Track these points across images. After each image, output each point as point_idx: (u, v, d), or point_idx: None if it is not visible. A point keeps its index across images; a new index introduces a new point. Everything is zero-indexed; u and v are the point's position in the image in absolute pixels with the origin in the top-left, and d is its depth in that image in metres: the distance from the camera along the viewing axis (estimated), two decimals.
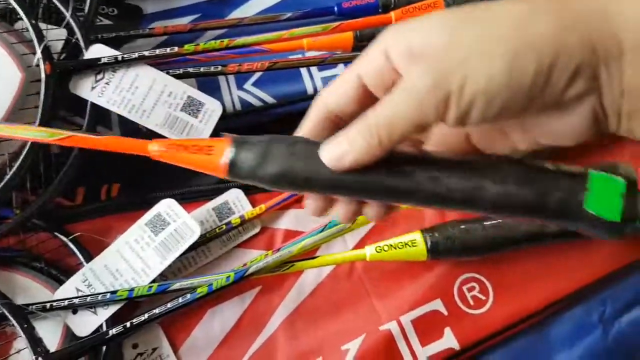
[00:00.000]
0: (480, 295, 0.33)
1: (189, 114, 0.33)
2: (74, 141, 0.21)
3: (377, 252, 0.32)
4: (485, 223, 0.32)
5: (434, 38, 0.18)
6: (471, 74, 0.17)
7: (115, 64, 0.33)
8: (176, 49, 0.34)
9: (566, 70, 0.16)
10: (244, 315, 0.34)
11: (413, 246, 0.32)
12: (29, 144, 0.31)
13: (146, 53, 0.33)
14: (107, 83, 0.33)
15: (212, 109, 0.34)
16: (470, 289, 0.33)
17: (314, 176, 0.19)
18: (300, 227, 0.36)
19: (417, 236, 0.32)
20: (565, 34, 0.16)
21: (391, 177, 0.19)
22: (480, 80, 0.17)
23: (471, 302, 0.33)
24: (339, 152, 0.19)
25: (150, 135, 0.34)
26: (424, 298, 0.33)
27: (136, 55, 0.33)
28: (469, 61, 0.17)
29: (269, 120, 0.39)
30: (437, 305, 0.33)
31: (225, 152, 0.19)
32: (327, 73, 0.39)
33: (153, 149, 0.20)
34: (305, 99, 0.38)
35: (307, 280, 0.35)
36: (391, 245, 0.32)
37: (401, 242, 0.32)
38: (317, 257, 0.33)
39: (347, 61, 0.37)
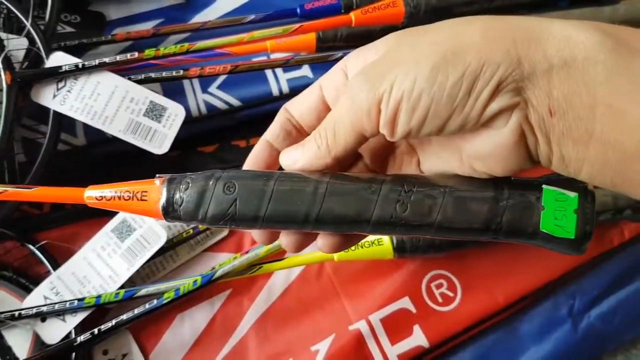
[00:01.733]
0: (448, 292, 0.33)
1: (152, 119, 0.33)
2: (7, 196, 0.21)
3: (345, 251, 0.32)
4: None
5: (380, 50, 0.19)
6: (399, 78, 0.17)
7: (76, 72, 0.33)
8: (137, 54, 0.34)
9: (489, 81, 0.16)
10: (214, 319, 0.34)
11: (379, 245, 0.32)
12: None
13: (107, 60, 0.33)
14: (68, 91, 0.33)
15: (175, 114, 0.34)
16: (439, 286, 0.33)
17: (258, 213, 0.18)
18: None
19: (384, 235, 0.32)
20: (492, 45, 0.16)
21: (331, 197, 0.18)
22: (405, 84, 0.17)
23: (439, 300, 0.33)
24: (294, 156, 0.20)
25: (114, 140, 0.34)
26: (393, 296, 0.33)
27: (97, 62, 0.33)
28: (399, 65, 0.17)
29: (235, 124, 0.39)
30: (406, 303, 0.33)
31: (159, 195, 0.19)
32: (293, 74, 0.39)
33: (90, 197, 0.20)
34: (270, 101, 0.38)
35: (276, 283, 0.35)
36: (358, 245, 0.32)
37: (368, 241, 0.32)
38: (285, 258, 0.33)
39: (310, 63, 0.37)
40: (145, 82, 0.34)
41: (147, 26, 0.40)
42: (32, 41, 0.34)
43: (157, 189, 0.19)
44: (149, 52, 0.33)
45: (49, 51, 0.34)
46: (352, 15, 0.34)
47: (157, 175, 0.20)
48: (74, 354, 0.31)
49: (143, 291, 0.32)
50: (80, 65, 0.33)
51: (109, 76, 0.33)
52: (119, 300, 0.32)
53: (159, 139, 0.33)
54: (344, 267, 0.34)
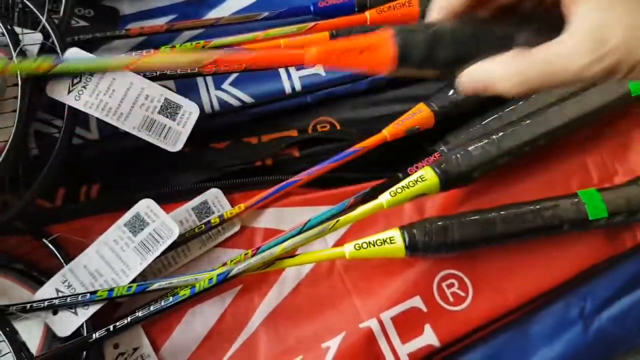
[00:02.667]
0: (459, 292, 0.33)
1: (167, 117, 0.33)
2: (223, 63, 0.21)
3: (356, 249, 0.32)
4: (462, 220, 0.32)
5: None
6: None
7: None
8: (152, 50, 0.34)
9: None
10: (224, 314, 0.34)
11: (391, 243, 0.32)
12: (7, 145, 0.31)
13: (122, 56, 0.33)
14: (83, 87, 0.33)
15: (190, 111, 0.34)
16: (450, 286, 0.33)
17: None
18: (280, 225, 0.36)
19: (395, 233, 0.32)
20: None
21: None
22: None
23: (451, 299, 0.33)
24: None
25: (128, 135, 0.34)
26: (404, 295, 0.33)
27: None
28: None
29: (247, 120, 0.39)
30: (417, 302, 0.33)
31: (390, 45, 0.20)
32: (305, 72, 0.39)
33: (310, 57, 0.20)
34: (282, 99, 0.38)
35: (287, 279, 0.35)
36: (370, 243, 0.32)
37: (380, 240, 0.32)
38: (298, 255, 0.33)
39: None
40: (161, 79, 0.34)
41: (161, 22, 0.40)
42: (46, 36, 0.34)
43: (386, 39, 0.20)
44: (165, 49, 0.33)
45: (64, 46, 0.34)
46: (367, 14, 0.34)
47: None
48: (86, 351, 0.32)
49: (155, 285, 0.32)
50: None
51: (124, 73, 0.33)
52: (132, 294, 0.32)
53: (173, 136, 0.34)
54: (355, 264, 0.34)
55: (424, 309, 0.33)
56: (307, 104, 0.39)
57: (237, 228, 0.36)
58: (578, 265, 0.33)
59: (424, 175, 0.31)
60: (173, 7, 0.41)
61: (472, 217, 0.32)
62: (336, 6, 0.39)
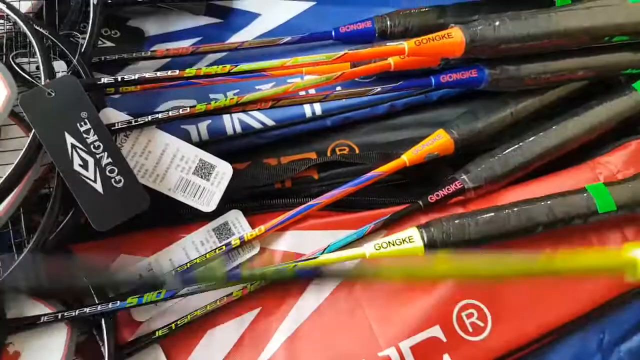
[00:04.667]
0: (479, 322, 0.33)
1: (201, 177, 0.34)
2: None
3: (376, 249, 0.32)
4: (478, 217, 0.33)
5: None
6: None
7: (127, 129, 0.33)
8: (177, 72, 0.34)
9: None
10: (243, 336, 0.34)
11: (410, 242, 0.32)
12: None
13: (147, 75, 0.33)
14: (120, 147, 0.33)
15: (223, 172, 0.34)
16: (469, 315, 0.33)
17: None
18: (300, 249, 0.36)
19: (414, 232, 0.33)
20: None
21: None
22: None
23: (470, 329, 0.33)
24: None
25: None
26: (423, 324, 0.33)
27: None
28: None
29: (265, 143, 0.39)
30: (436, 331, 0.33)
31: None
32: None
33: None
34: (303, 122, 0.39)
35: (306, 303, 0.35)
36: (389, 242, 0.32)
37: (399, 239, 0.32)
38: (317, 256, 0.33)
39: (347, 97, 0.37)
40: (190, 117, 0.33)
41: (184, 44, 0.40)
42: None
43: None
44: (190, 71, 0.34)
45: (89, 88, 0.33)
46: (406, 45, 0.33)
47: None
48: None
49: (184, 291, 0.32)
50: (132, 122, 0.33)
51: (160, 134, 0.34)
52: (161, 299, 0.32)
53: (207, 196, 0.34)
54: (374, 289, 0.35)
55: (444, 339, 0.33)
56: (327, 127, 0.40)
57: (256, 250, 0.36)
58: (597, 298, 0.33)
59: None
60: (197, 30, 0.41)
61: (487, 214, 0.33)
62: (357, 32, 0.40)
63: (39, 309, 0.32)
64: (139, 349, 0.32)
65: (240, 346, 0.34)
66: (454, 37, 0.34)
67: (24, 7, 0.36)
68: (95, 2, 0.36)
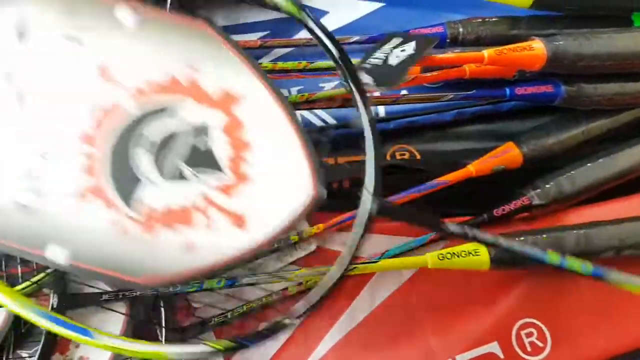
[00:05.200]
0: (538, 342, 0.32)
1: None
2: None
3: (440, 259, 0.31)
4: (541, 236, 0.32)
5: None
6: None
7: None
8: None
9: None
10: (293, 337, 0.34)
11: (476, 255, 0.31)
12: None
13: None
14: None
15: None
16: (529, 335, 0.32)
17: None
18: None
19: (480, 246, 0.31)
20: None
21: None
22: None
23: (528, 348, 0.32)
24: None
25: None
26: (482, 339, 0.32)
27: None
28: None
29: (327, 141, 0.38)
30: (494, 348, 0.32)
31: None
32: None
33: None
34: None
35: (359, 306, 0.34)
36: (454, 253, 0.31)
37: (464, 251, 0.31)
38: (376, 260, 0.32)
39: (420, 102, 0.36)
40: None
41: (253, 37, 0.40)
42: None
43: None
44: (266, 65, 0.34)
45: None
46: (486, 53, 0.32)
47: None
48: None
49: (244, 280, 0.32)
50: None
51: None
52: (221, 287, 0.32)
53: None
54: (432, 297, 0.34)
55: (501, 356, 0.32)
56: (389, 130, 0.39)
57: (313, 247, 0.36)
58: None
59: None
60: (265, 24, 0.41)
61: (551, 234, 0.32)
62: (428, 35, 0.39)
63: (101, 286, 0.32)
64: (194, 334, 0.32)
65: (292, 344, 0.34)
66: (536, 50, 0.33)
67: None
68: None
